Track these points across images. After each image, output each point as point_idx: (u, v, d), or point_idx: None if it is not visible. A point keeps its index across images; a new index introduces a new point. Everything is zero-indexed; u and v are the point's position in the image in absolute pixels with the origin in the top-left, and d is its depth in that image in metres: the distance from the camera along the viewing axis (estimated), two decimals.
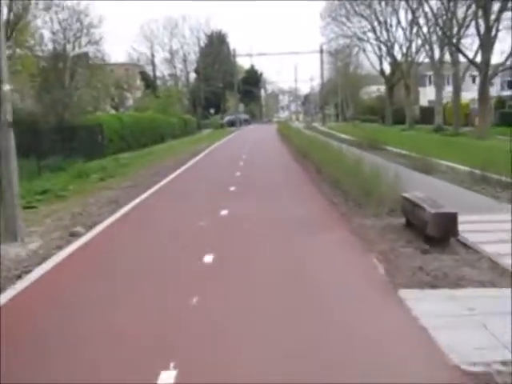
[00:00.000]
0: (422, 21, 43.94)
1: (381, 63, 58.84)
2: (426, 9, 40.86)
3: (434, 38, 42.65)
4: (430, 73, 68.51)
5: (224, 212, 10.77)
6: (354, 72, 74.35)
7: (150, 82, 67.63)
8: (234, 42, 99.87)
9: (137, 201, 12.98)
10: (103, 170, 21.41)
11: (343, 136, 36.58)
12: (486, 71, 33.73)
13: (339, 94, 76.83)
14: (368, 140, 27.28)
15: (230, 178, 16.40)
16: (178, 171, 19.48)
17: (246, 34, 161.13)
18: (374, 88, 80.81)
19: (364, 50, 60.04)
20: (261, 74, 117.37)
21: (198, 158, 25.54)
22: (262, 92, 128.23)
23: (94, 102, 41.39)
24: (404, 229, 8.46)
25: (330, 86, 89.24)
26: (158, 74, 69.74)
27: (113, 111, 48.97)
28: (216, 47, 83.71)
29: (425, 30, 43.34)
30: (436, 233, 7.40)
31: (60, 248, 8.44)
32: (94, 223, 10.25)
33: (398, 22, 51.33)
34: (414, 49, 51.01)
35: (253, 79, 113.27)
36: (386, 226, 8.71)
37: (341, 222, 9.43)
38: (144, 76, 68.94)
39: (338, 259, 7.39)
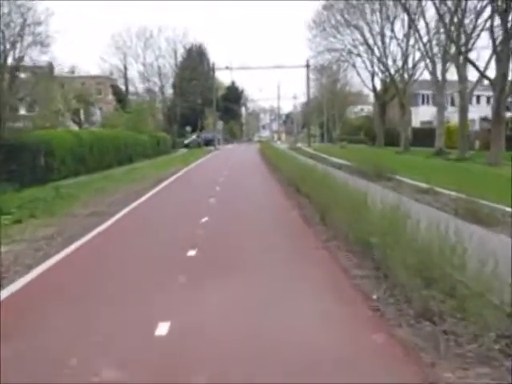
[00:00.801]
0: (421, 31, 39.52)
1: (373, 79, 54.38)
2: (428, 16, 36.49)
3: (436, 50, 38.13)
4: (424, 91, 64.52)
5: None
6: (341, 89, 69.88)
7: (122, 97, 62.49)
8: (214, 56, 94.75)
9: (30, 277, 7.74)
10: (33, 204, 16.16)
11: (337, 160, 31.65)
12: (502, 87, 29.14)
13: (325, 113, 72.21)
14: (369, 166, 22.31)
15: (193, 228, 11.29)
16: (126, 210, 14.24)
17: (227, 47, 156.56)
18: (358, 107, 76.63)
19: (354, 66, 55.56)
20: (242, 91, 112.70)
21: (160, 186, 20.34)
22: (243, 110, 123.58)
23: (53, 116, 36.21)
24: None
25: (315, 105, 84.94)
26: (133, 88, 64.41)
27: (75, 127, 43.67)
28: (194, 61, 78.91)
29: (425, 40, 38.82)
30: None
31: None
32: None
33: (392, 31, 46.85)
34: (410, 64, 46.61)
35: (233, 96, 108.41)
36: None
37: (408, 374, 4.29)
38: (116, 90, 63.74)
39: None
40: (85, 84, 75.34)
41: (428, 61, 39.49)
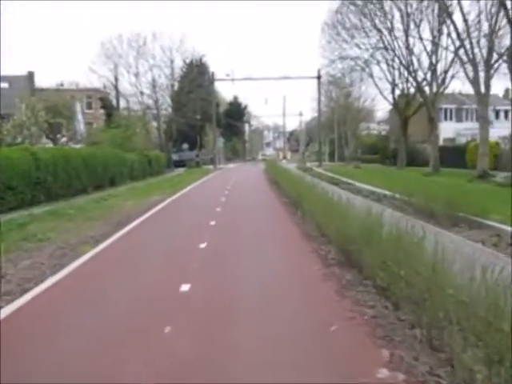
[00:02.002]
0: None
1: (393, 91, 47.94)
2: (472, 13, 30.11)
3: (479, 55, 31.61)
4: (447, 105, 58.07)
5: None
6: (354, 103, 63.52)
7: (112, 111, 56.13)
8: (215, 68, 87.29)
9: None
10: None
11: (368, 187, 25.15)
12: None
13: (336, 129, 65.79)
14: (424, 198, 15.64)
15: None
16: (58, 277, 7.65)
17: (229, 58, 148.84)
18: (367, 124, 70.34)
19: (371, 76, 49.13)
20: (245, 107, 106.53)
21: (120, 234, 13.64)
22: (246, 127, 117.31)
23: (15, 131, 29.81)
24: None
25: (324, 121, 78.78)
26: (125, 102, 58.05)
27: (50, 144, 37.24)
28: (193, 74, 72.71)
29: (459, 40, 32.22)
30: None
31: None
32: None
33: (418, 30, 40.37)
34: (439, 71, 40.20)
35: (236, 112, 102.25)
36: None
37: None
38: (106, 103, 57.44)
39: None
40: (74, 97, 69.36)
41: (465, 66, 32.95)
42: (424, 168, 47.18)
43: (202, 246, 10.94)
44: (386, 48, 42.69)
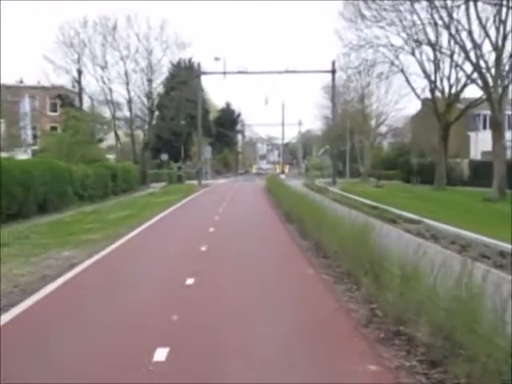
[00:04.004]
0: None
1: (433, 89, 37.03)
2: None
3: None
4: (486, 111, 47.22)
5: None
6: (369, 108, 52.54)
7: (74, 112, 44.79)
8: (204, 64, 72.78)
9: None
10: None
11: (444, 227, 14.50)
12: None
13: (348, 139, 54.75)
14: None
15: None
16: None
17: (220, 51, 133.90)
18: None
19: (402, 71, 38.17)
20: (238, 115, 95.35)
21: None
22: (239, 137, 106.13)
23: None
24: None
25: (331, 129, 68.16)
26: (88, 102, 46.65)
27: None
28: (181, 77, 61.55)
29: None
30: None
31: None
32: None
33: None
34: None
35: (228, 120, 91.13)
36: None
37: None
38: (65, 102, 46.09)
39: None
40: (35, 97, 57.98)
41: None
42: (466, 189, 36.44)
43: None
44: (435, 23, 31.53)
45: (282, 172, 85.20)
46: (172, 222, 20.00)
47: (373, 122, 52.71)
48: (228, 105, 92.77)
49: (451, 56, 33.23)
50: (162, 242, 14.23)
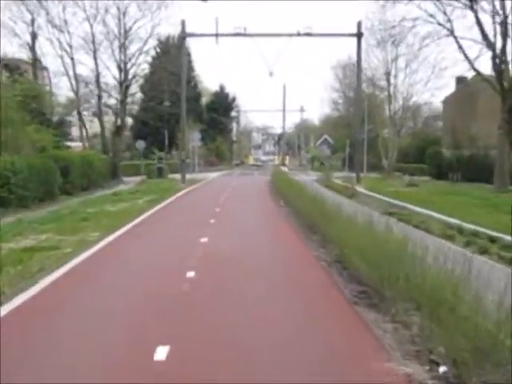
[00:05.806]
0: None
1: (495, 62, 27.53)
2: None
3: None
4: None
5: None
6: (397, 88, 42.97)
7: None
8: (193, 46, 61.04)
9: None
10: None
11: None
12: None
13: (366, 126, 45.19)
14: None
15: None
16: None
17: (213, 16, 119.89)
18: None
19: (452, 33, 28.61)
20: (233, 99, 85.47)
21: None
22: (234, 125, 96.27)
23: None
24: None
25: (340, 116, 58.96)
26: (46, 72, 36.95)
27: None
28: (170, 56, 51.89)
29: None
30: None
31: None
32: None
33: None
34: None
35: (222, 105, 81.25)
36: None
37: None
38: (15, 74, 36.38)
39: None
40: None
41: None
42: None
43: None
44: None
45: (283, 164, 75.54)
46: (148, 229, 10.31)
47: (397, 105, 43.16)
48: (222, 88, 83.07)
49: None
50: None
